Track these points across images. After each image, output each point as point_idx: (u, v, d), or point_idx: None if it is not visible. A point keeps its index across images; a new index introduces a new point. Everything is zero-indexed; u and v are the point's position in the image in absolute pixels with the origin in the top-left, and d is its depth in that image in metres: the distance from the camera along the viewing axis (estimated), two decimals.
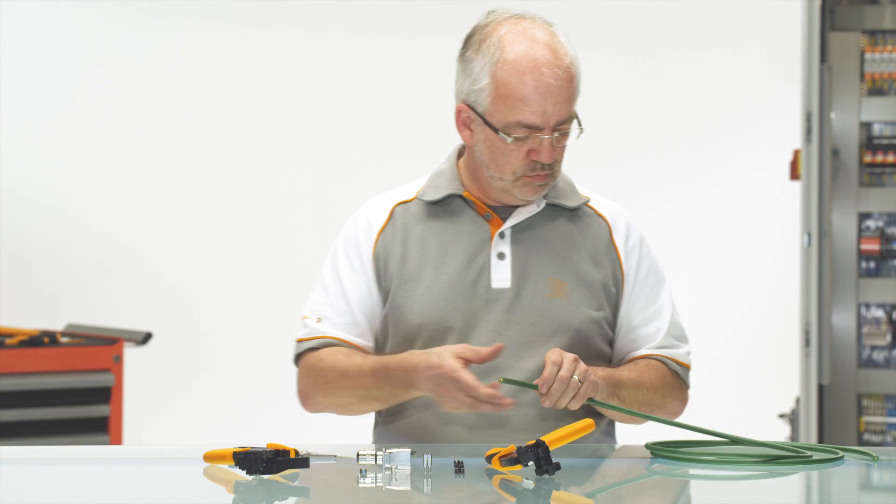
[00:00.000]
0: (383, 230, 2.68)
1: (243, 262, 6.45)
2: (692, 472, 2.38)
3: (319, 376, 2.65)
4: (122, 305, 6.28)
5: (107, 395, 4.67)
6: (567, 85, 2.56)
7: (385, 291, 2.67)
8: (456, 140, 2.76)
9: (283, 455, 2.22)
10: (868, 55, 4.80)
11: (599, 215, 2.72)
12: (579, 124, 2.59)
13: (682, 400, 2.74)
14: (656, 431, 2.50)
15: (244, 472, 2.22)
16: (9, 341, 4.63)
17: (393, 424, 2.70)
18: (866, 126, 4.82)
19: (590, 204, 2.73)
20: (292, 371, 2.74)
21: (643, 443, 2.49)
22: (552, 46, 2.56)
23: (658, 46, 6.40)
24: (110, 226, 6.34)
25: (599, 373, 2.56)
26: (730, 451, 2.44)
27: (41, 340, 4.66)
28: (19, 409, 4.56)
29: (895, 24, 4.79)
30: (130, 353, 4.86)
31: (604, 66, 6.36)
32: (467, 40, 2.63)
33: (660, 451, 2.44)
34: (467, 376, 2.44)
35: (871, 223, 4.81)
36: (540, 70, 2.53)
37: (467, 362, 2.48)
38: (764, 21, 6.29)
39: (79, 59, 6.33)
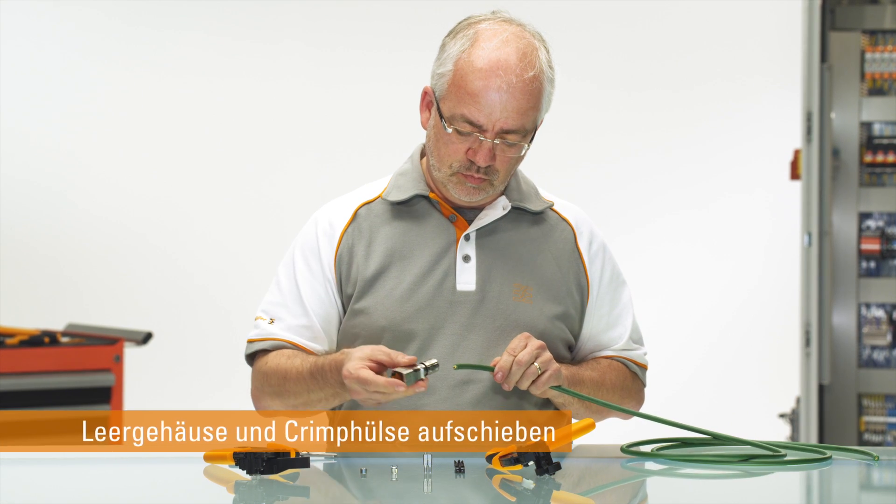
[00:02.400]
0: (346, 232, 2.63)
1: (244, 262, 6.44)
2: (689, 471, 2.38)
3: (265, 380, 2.62)
4: (123, 305, 6.28)
5: (107, 395, 4.67)
6: (522, 96, 2.50)
7: (347, 295, 2.62)
8: None
9: (283, 455, 2.22)
10: (868, 55, 4.80)
11: (564, 220, 2.69)
12: (529, 142, 2.55)
13: (640, 400, 2.75)
14: (647, 432, 2.51)
15: (244, 472, 2.22)
16: (9, 341, 4.63)
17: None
18: (866, 126, 4.82)
19: (554, 208, 2.70)
20: None
21: (620, 443, 2.50)
22: (523, 54, 2.51)
23: (659, 46, 6.40)
24: (111, 226, 6.34)
25: (563, 371, 2.56)
26: (712, 451, 2.45)
27: (41, 340, 4.66)
28: (19, 409, 4.55)
29: (895, 24, 4.79)
30: (130, 353, 4.86)
31: (604, 64, 6.36)
32: (454, 27, 2.61)
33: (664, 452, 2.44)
34: (368, 374, 2.38)
35: (871, 223, 4.81)
36: (497, 72, 2.49)
37: (381, 366, 2.42)
38: (764, 21, 6.29)
39: (78, 62, 6.33)
